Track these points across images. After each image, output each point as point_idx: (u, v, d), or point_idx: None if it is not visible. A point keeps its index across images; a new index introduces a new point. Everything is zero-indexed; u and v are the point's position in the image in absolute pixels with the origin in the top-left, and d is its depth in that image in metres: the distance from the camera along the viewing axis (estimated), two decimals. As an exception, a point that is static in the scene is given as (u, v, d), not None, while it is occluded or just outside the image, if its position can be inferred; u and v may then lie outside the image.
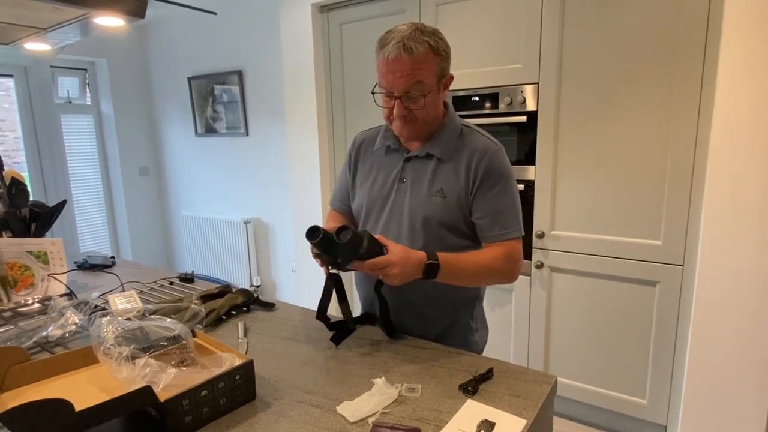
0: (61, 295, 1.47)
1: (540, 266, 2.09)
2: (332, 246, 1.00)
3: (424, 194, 1.12)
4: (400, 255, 0.99)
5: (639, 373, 1.96)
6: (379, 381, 0.90)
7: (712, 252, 1.68)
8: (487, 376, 0.94)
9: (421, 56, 1.01)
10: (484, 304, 1.30)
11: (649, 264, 1.86)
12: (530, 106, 2.02)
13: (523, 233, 1.13)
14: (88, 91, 4.04)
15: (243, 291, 1.41)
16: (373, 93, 1.12)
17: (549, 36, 1.93)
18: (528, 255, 2.12)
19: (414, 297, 1.17)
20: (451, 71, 1.12)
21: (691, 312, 1.77)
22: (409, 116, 1.07)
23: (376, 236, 1.01)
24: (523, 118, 2.04)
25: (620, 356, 1.99)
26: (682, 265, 1.80)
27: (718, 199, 1.64)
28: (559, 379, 0.94)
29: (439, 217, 1.11)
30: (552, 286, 2.10)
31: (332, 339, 1.13)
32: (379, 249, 1.00)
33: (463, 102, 2.18)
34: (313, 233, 0.98)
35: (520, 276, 2.08)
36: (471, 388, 0.90)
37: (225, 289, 1.44)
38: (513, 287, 2.18)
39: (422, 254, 1.02)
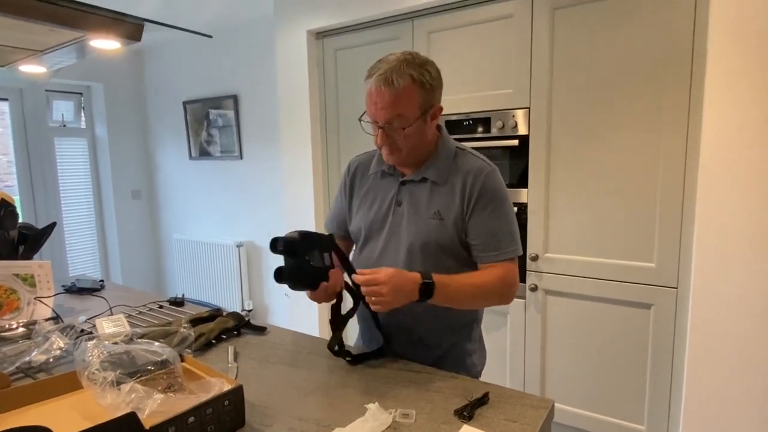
0: (47, 319, 1.44)
1: (534, 289, 2.08)
2: (296, 248, 1.00)
3: (422, 217, 1.12)
4: (392, 273, 0.97)
5: (637, 397, 1.93)
6: (373, 406, 0.88)
7: (705, 274, 1.68)
8: (483, 400, 0.92)
9: (401, 89, 1.02)
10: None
11: (643, 286, 1.86)
12: (522, 130, 2.05)
13: (521, 253, 1.12)
14: (83, 114, 4.05)
15: (234, 314, 1.38)
16: (360, 120, 1.14)
17: (539, 62, 1.97)
18: (522, 278, 2.11)
19: (411, 323, 1.15)
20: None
21: (686, 335, 1.75)
22: (393, 145, 1.09)
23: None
24: (515, 142, 2.06)
25: (617, 381, 1.96)
26: (675, 288, 1.80)
27: (709, 220, 1.66)
28: (556, 404, 0.92)
29: (437, 239, 1.10)
30: (547, 309, 2.08)
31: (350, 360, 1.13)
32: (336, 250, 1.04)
33: (456, 126, 2.21)
34: (275, 243, 0.99)
35: (514, 299, 2.10)
36: (467, 413, 0.88)
37: (215, 313, 1.42)
38: (508, 310, 2.16)
39: (416, 274, 1.01)
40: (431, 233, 1.10)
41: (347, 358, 1.12)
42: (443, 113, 1.18)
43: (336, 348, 1.14)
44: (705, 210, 1.66)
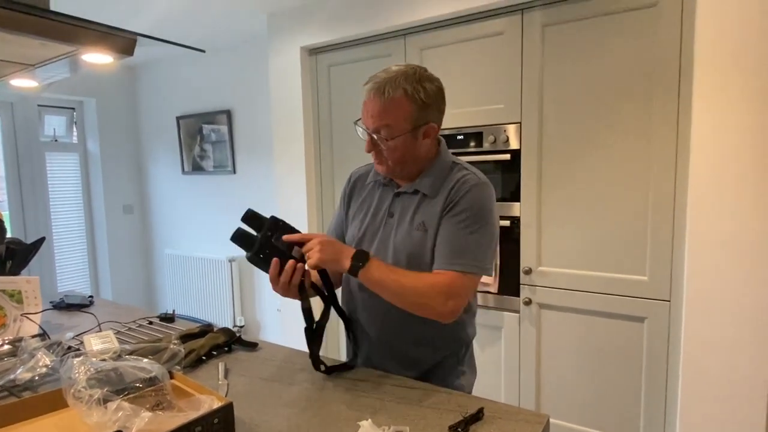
0: (34, 336, 1.41)
1: (528, 303, 2.08)
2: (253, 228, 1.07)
3: (408, 229, 1.11)
4: (323, 234, 1.07)
5: (632, 411, 1.92)
6: (366, 423, 0.86)
7: (697, 286, 1.69)
8: (478, 416, 0.91)
9: (392, 101, 1.03)
10: (474, 342, 1.27)
11: (637, 300, 1.86)
12: (513, 144, 2.06)
13: (481, 273, 1.05)
14: (74, 129, 4.03)
15: (225, 330, 1.36)
16: (355, 123, 1.14)
17: (529, 77, 2.00)
18: (516, 291, 2.11)
19: (393, 337, 1.14)
20: None
21: (680, 348, 1.75)
22: (380, 155, 1.10)
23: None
24: (507, 156, 2.07)
25: (612, 395, 1.95)
26: (669, 301, 1.80)
27: (700, 232, 1.67)
28: (551, 420, 0.91)
29: (421, 251, 1.09)
30: (541, 323, 2.08)
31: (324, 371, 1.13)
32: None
33: (448, 141, 2.22)
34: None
35: (508, 313, 2.10)
36: (461, 429, 0.87)
37: (206, 329, 1.40)
38: (502, 324, 2.15)
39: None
40: (415, 245, 1.09)
41: (321, 369, 1.13)
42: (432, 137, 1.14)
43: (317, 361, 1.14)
44: (696, 222, 1.67)
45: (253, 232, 1.07)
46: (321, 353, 1.14)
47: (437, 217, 1.08)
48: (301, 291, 1.07)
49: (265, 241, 1.06)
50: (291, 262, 1.04)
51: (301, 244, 1.05)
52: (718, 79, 1.60)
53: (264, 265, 1.06)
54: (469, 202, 1.06)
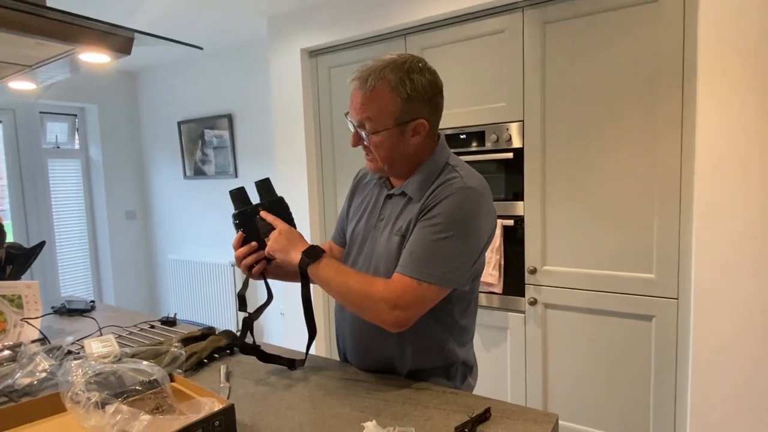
0: (34, 341, 1.39)
1: (533, 303, 2.05)
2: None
3: (387, 234, 1.06)
4: (290, 228, 1.07)
5: (641, 411, 1.89)
6: (370, 425, 0.84)
7: (705, 284, 1.66)
8: (485, 416, 0.89)
9: (373, 92, 0.97)
10: (478, 343, 1.23)
11: (644, 298, 1.83)
12: (516, 143, 2.05)
13: (444, 286, 0.96)
14: (76, 136, 4.04)
15: (227, 333, 1.35)
16: (345, 114, 1.08)
17: (531, 75, 1.98)
18: (521, 291, 2.09)
19: (370, 341, 1.09)
20: None
21: (689, 346, 1.73)
22: (368, 150, 1.05)
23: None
24: (510, 155, 2.06)
25: (621, 395, 1.92)
26: (676, 299, 1.78)
27: (707, 229, 1.64)
28: (559, 421, 0.89)
29: (397, 258, 1.01)
30: (547, 323, 2.05)
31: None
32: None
33: (450, 140, 2.20)
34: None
35: (513, 314, 2.07)
36: (468, 429, 0.84)
37: (208, 332, 1.38)
38: (507, 324, 2.13)
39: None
40: (392, 252, 1.03)
41: (257, 355, 1.15)
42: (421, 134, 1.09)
43: (246, 344, 1.16)
44: (703, 218, 1.65)
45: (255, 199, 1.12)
46: (326, 355, 1.12)
47: (414, 220, 1.01)
48: (248, 276, 1.11)
49: (251, 211, 1.09)
50: (253, 244, 1.08)
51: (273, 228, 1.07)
52: (723, 73, 1.58)
53: (236, 230, 1.11)
54: (446, 206, 0.96)
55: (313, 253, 1.01)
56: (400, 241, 1.02)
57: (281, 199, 1.12)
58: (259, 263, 1.10)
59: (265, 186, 1.12)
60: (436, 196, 0.99)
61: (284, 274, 1.18)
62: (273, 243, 1.04)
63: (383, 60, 1.00)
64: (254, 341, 1.17)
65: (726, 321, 1.63)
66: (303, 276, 1.05)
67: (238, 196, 1.11)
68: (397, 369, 1.10)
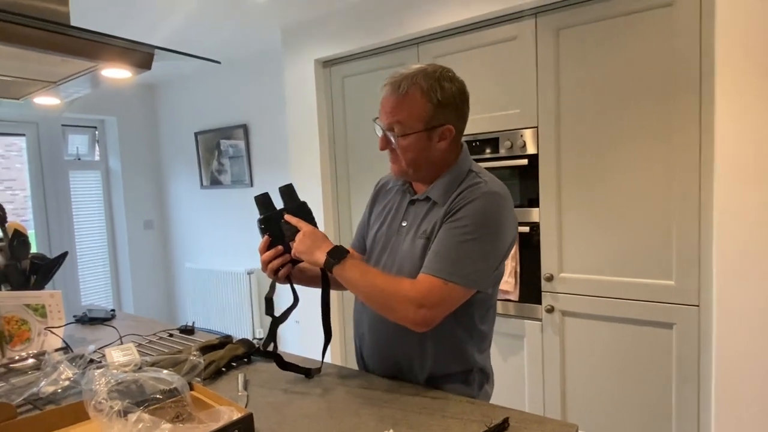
0: (57, 350, 1.42)
1: (551, 310, 2.03)
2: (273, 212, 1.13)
3: (412, 237, 1.08)
4: (315, 229, 1.08)
5: (663, 421, 1.85)
6: (387, 434, 0.84)
7: (727, 290, 1.63)
8: (503, 426, 0.88)
9: (405, 97, 1.01)
10: (495, 351, 1.23)
11: (664, 305, 1.80)
12: (530, 149, 2.04)
13: (469, 287, 0.98)
14: (97, 147, 4.14)
15: (244, 341, 1.36)
16: (374, 120, 1.11)
17: (545, 81, 1.98)
18: (537, 299, 2.07)
19: (392, 344, 1.11)
20: None
21: (712, 354, 1.69)
22: (393, 154, 1.08)
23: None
24: (524, 162, 2.05)
25: (642, 404, 1.88)
26: (697, 306, 1.74)
27: (728, 234, 1.61)
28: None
29: (421, 260, 1.03)
30: (565, 331, 2.02)
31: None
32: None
33: (464, 147, 2.21)
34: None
35: (529, 321, 2.05)
36: (486, 439, 0.84)
37: (225, 340, 1.39)
38: (524, 333, 2.11)
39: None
40: (417, 255, 1.05)
41: (277, 362, 1.16)
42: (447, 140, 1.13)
43: (270, 348, 1.18)
44: (723, 223, 1.62)
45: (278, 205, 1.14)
46: (341, 362, 1.13)
47: (439, 223, 1.03)
48: (274, 279, 1.12)
49: (276, 215, 1.11)
50: (278, 247, 1.10)
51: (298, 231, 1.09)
52: (742, 76, 1.56)
53: (261, 235, 1.12)
54: (472, 209, 0.99)
55: (338, 254, 1.02)
56: (425, 244, 1.04)
57: (304, 203, 1.14)
58: (284, 267, 1.12)
59: (288, 191, 1.14)
60: (461, 199, 1.02)
61: (307, 279, 1.20)
62: (298, 244, 1.06)
63: (415, 67, 1.05)
64: (276, 347, 1.18)
65: (750, 328, 1.59)
66: (324, 278, 1.11)
67: (263, 201, 1.13)
68: (416, 372, 1.10)
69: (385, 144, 1.08)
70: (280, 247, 1.11)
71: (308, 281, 1.21)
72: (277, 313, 1.14)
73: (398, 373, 1.12)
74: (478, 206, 1.00)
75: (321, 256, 1.03)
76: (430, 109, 1.02)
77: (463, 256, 0.97)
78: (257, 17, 2.63)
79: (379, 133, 1.09)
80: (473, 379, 1.11)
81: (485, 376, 1.14)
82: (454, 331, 1.06)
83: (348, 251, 1.05)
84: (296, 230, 1.09)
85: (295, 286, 1.17)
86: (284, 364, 1.17)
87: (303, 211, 1.13)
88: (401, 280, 1.01)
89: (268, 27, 2.78)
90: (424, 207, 1.09)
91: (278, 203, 1.14)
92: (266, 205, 1.13)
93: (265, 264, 1.12)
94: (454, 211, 1.01)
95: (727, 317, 1.63)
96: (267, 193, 1.14)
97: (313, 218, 1.14)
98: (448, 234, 1.00)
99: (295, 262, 1.12)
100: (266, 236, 1.11)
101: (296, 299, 1.17)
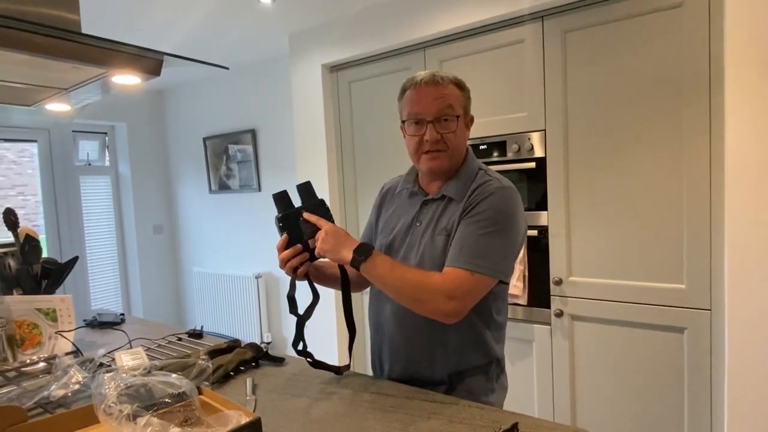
0: (68, 353, 1.44)
1: (560, 314, 2.02)
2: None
3: (433, 234, 1.11)
4: (333, 225, 1.09)
5: (674, 428, 1.82)
6: (395, 439, 0.84)
7: (739, 294, 1.60)
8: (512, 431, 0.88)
9: (447, 86, 1.09)
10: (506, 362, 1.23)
11: (675, 309, 1.78)
12: (538, 152, 2.03)
13: (494, 277, 1.02)
14: (107, 153, 4.18)
15: (252, 345, 1.36)
16: (402, 124, 1.15)
17: (552, 84, 1.97)
18: (546, 303, 2.05)
19: (414, 339, 1.12)
20: None
21: (724, 359, 1.66)
22: (440, 143, 1.09)
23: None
24: (532, 165, 2.04)
25: (653, 410, 1.86)
26: (709, 310, 1.72)
27: (740, 236, 1.59)
28: (588, 436, 0.88)
29: (443, 256, 1.07)
30: (574, 335, 2.01)
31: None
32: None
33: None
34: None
35: (538, 326, 2.04)
36: (495, 445, 0.83)
37: (233, 344, 1.40)
38: (533, 337, 2.09)
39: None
40: (437, 250, 1.09)
41: (308, 360, 1.18)
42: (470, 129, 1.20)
43: (299, 348, 1.18)
44: (734, 227, 1.60)
45: (296, 203, 1.14)
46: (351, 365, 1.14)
47: (457, 219, 1.08)
48: (293, 277, 1.13)
49: (295, 213, 1.11)
50: (297, 246, 1.10)
51: (317, 229, 1.09)
52: (752, 79, 1.54)
53: (280, 233, 1.12)
54: (489, 204, 1.05)
55: (364, 251, 1.04)
56: (446, 240, 1.08)
57: (323, 201, 1.15)
58: (303, 265, 1.13)
59: (306, 189, 1.14)
60: (478, 195, 1.07)
61: (326, 278, 1.22)
62: (322, 244, 1.06)
63: (426, 71, 1.14)
64: (305, 345, 1.19)
65: (763, 332, 1.57)
66: (344, 276, 1.14)
67: (281, 199, 1.13)
68: (438, 368, 1.12)
69: (434, 134, 1.08)
70: (299, 246, 1.11)
71: (326, 280, 1.23)
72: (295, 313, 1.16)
73: (420, 370, 1.13)
74: (495, 200, 1.05)
75: (347, 254, 1.04)
76: (464, 98, 1.12)
77: (486, 248, 1.01)
78: (265, 23, 2.65)
79: (412, 132, 1.11)
80: (493, 371, 1.15)
81: (501, 368, 1.18)
82: (474, 323, 1.09)
83: (373, 247, 1.06)
84: (316, 228, 1.09)
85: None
86: (315, 362, 1.19)
87: (321, 209, 1.13)
88: (430, 273, 1.03)
89: (275, 33, 2.80)
90: (440, 205, 1.13)
91: (296, 201, 1.15)
92: (284, 202, 1.13)
93: (284, 262, 1.12)
94: (473, 206, 1.06)
95: (739, 321, 1.61)
96: (285, 190, 1.13)
97: (331, 216, 1.14)
98: (469, 228, 1.04)
99: (313, 258, 1.13)
100: (284, 234, 1.11)
101: (317, 296, 1.18)
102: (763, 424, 1.58)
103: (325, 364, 1.20)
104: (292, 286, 1.16)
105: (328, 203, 2.74)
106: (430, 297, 1.00)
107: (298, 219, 1.11)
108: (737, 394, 1.63)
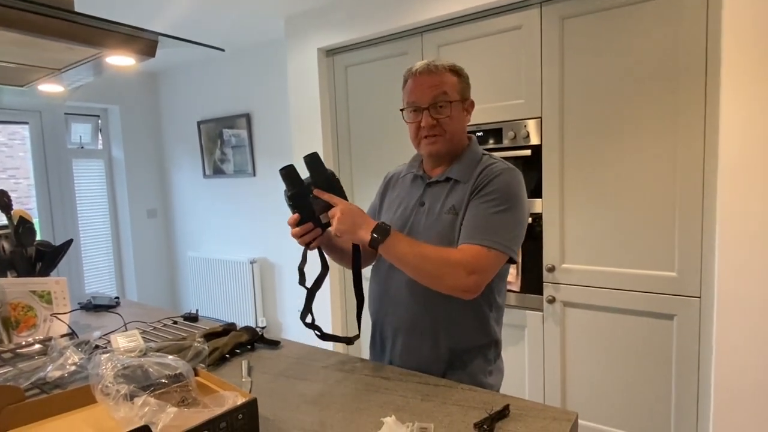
0: (63, 336, 1.44)
1: (552, 301, 2.04)
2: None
3: (438, 214, 1.13)
4: (347, 203, 1.07)
5: (662, 412, 1.86)
6: (389, 420, 0.85)
7: (729, 282, 1.63)
8: (504, 413, 0.89)
9: (442, 73, 1.13)
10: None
11: (665, 296, 1.81)
12: (534, 139, 2.03)
13: (506, 254, 1.05)
14: (100, 136, 4.14)
15: (247, 329, 1.37)
16: (402, 111, 1.19)
17: (549, 71, 1.97)
18: (539, 289, 2.07)
19: (418, 318, 1.15)
20: None
21: (712, 346, 1.70)
22: (437, 128, 1.12)
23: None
24: (528, 152, 2.04)
25: (641, 395, 1.90)
26: (699, 297, 1.75)
27: (731, 226, 1.61)
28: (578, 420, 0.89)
29: (450, 234, 1.10)
30: (566, 322, 2.03)
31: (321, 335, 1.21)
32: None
33: (467, 138, 2.20)
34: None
35: (531, 312, 2.06)
36: (487, 426, 0.85)
37: (229, 327, 1.41)
38: (525, 323, 2.12)
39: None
40: (445, 228, 1.11)
41: (316, 333, 1.20)
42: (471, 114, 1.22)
43: (308, 321, 1.19)
44: (726, 215, 1.62)
45: (303, 175, 1.10)
46: (344, 350, 1.14)
47: (466, 200, 1.11)
48: (305, 248, 1.13)
49: (305, 190, 1.08)
50: (308, 224, 1.09)
51: (329, 206, 1.08)
52: (748, 67, 1.54)
53: (291, 210, 1.10)
54: (498, 184, 1.08)
55: (382, 230, 1.04)
56: (452, 219, 1.11)
57: (332, 174, 1.11)
58: (316, 239, 1.13)
59: (314, 162, 1.09)
60: (486, 175, 1.10)
61: (336, 249, 1.24)
62: (338, 224, 1.04)
63: (427, 60, 1.17)
64: (313, 319, 1.19)
65: (751, 320, 1.60)
66: (355, 250, 1.17)
67: (288, 175, 1.07)
68: (441, 341, 1.14)
69: (430, 120, 1.12)
70: (310, 224, 1.10)
71: (337, 251, 1.24)
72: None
73: (421, 344, 1.15)
74: (503, 180, 1.09)
75: (365, 235, 1.03)
76: (461, 84, 1.15)
77: (498, 225, 1.05)
78: (261, 5, 2.62)
79: (411, 119, 1.15)
80: (491, 353, 1.18)
81: (498, 351, 1.21)
82: (478, 302, 1.11)
83: (390, 226, 1.05)
84: (327, 205, 1.08)
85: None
86: (324, 335, 1.21)
87: (331, 183, 1.09)
88: (449, 249, 1.05)
89: (271, 15, 2.76)
90: (445, 187, 1.16)
91: (303, 174, 1.11)
92: (292, 178, 1.08)
93: (297, 237, 1.12)
94: (482, 186, 1.09)
95: (728, 309, 1.64)
96: (292, 165, 1.08)
97: (342, 190, 1.12)
98: (480, 207, 1.08)
99: (324, 228, 1.11)
100: (296, 213, 1.09)
101: (326, 267, 1.19)
102: (749, 409, 1.62)
103: (335, 336, 1.22)
104: (304, 258, 1.16)
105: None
106: (451, 271, 1.01)
107: (308, 196, 1.08)
108: (724, 380, 1.66)
